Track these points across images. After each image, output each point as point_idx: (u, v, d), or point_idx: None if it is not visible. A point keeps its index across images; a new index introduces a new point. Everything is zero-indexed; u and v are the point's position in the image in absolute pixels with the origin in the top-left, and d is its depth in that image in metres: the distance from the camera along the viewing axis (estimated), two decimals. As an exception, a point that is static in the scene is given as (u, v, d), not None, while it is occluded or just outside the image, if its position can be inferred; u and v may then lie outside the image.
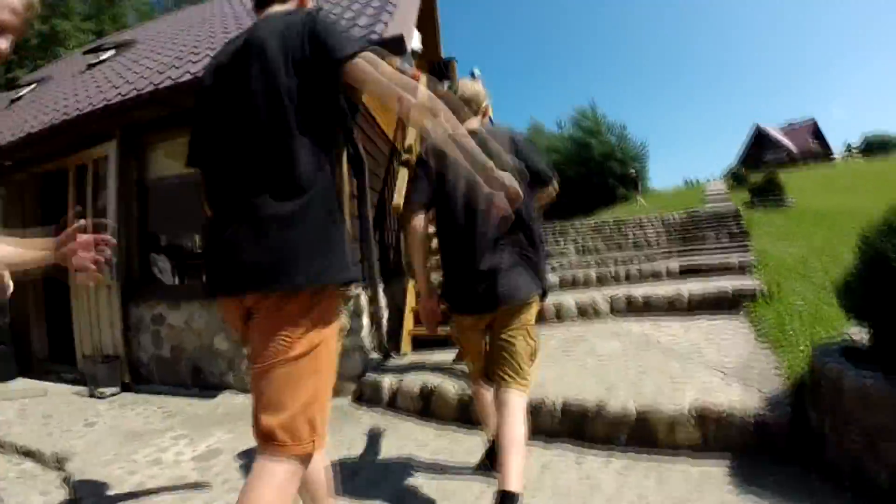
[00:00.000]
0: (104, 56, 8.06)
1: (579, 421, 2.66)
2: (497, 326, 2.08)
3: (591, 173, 23.52)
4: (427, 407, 3.32)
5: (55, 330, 5.86)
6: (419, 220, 2.16)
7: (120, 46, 8.53)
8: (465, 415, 3.06)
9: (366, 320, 4.19)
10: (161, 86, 4.60)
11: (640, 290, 5.24)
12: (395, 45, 3.43)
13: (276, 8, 1.49)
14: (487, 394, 2.23)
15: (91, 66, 7.93)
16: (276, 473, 1.22)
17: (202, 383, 4.58)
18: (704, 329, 4.09)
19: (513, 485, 1.72)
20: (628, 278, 6.30)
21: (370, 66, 1.26)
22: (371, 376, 3.75)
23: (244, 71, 1.34)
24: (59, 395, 4.67)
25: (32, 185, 6.09)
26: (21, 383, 5.26)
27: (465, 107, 2.19)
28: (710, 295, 4.80)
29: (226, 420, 3.61)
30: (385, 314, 4.58)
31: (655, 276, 6.26)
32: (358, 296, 4.09)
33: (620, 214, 14.37)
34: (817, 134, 47.48)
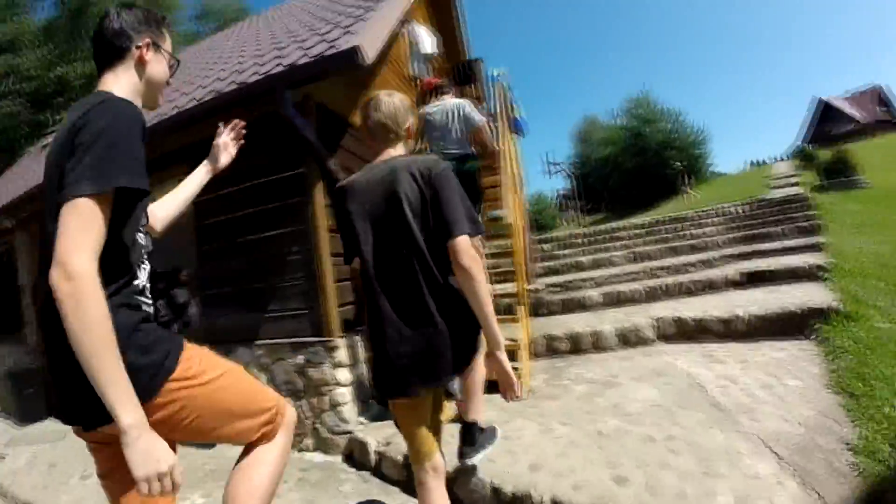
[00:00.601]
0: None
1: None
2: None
3: (649, 164, 22.28)
4: (412, 478, 2.81)
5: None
6: None
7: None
8: (453, 493, 2.53)
9: (364, 367, 3.74)
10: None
11: (691, 310, 4.55)
12: (348, 58, 3.02)
13: (104, 80, 1.31)
14: (434, 486, 1.74)
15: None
16: (271, 449, 1.45)
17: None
18: (764, 365, 3.37)
19: (471, 417, 2.25)
20: (680, 290, 5.50)
21: (81, 219, 1.05)
22: (359, 434, 3.29)
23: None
24: (74, 440, 4.62)
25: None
26: (47, 425, 5.23)
27: (380, 133, 1.70)
28: (772, 314, 4.04)
29: (209, 478, 3.29)
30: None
31: (712, 286, 5.43)
32: (349, 344, 3.64)
33: (679, 209, 13.27)
34: (884, 101, 42.73)
